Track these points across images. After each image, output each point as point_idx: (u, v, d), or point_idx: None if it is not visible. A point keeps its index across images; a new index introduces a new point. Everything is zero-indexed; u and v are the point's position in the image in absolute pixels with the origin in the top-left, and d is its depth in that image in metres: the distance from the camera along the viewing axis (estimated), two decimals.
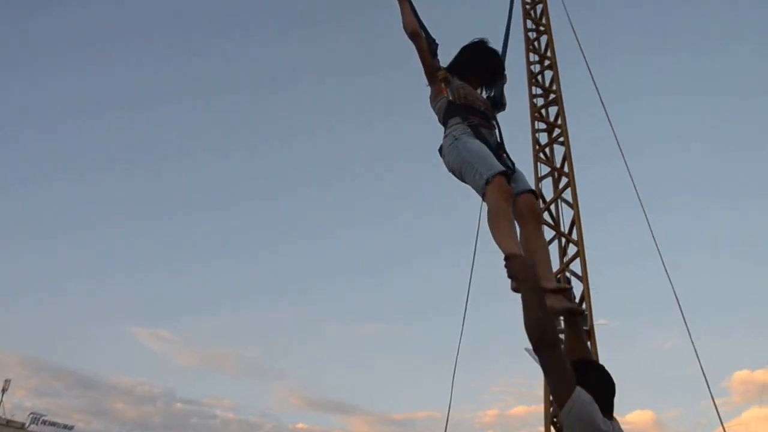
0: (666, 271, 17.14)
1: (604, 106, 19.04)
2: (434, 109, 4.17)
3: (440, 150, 3.97)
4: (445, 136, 3.94)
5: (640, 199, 17.94)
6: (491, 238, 3.55)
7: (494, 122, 4.14)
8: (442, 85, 4.08)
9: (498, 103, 4.38)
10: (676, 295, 16.91)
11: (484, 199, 3.62)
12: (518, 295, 3.35)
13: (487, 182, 3.60)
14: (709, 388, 15.83)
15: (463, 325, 17.77)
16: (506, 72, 4.62)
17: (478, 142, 3.80)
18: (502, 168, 3.65)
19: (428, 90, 4.25)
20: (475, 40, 4.37)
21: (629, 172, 18.42)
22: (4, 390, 73.90)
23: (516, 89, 20.43)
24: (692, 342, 16.83)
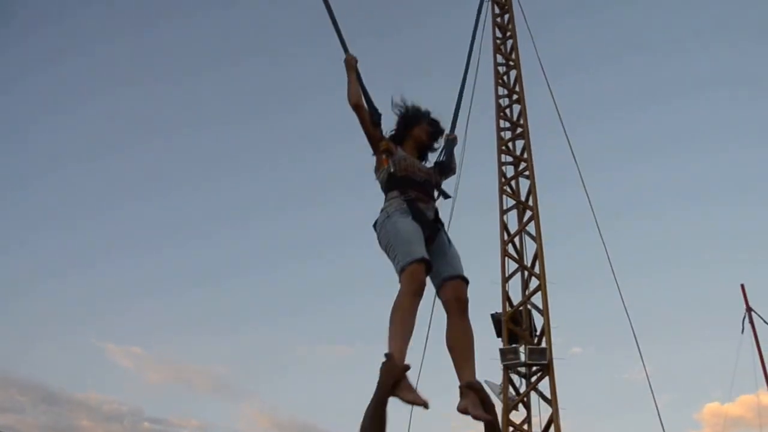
0: (624, 303, 17.46)
1: (567, 136, 19.42)
2: (377, 179, 4.16)
3: (374, 225, 3.89)
4: (381, 211, 3.91)
5: (600, 233, 18.27)
6: (390, 319, 3.49)
7: (437, 192, 4.14)
8: (384, 156, 4.07)
9: (446, 169, 4.39)
10: (632, 329, 17.22)
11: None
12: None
13: (402, 270, 3.52)
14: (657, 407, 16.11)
15: (424, 351, 17.86)
16: (456, 134, 4.61)
17: (408, 221, 3.73)
18: (419, 256, 3.51)
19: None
20: (416, 106, 4.40)
21: (590, 204, 18.76)
22: None
23: (484, 121, 20.71)
24: (646, 374, 17.16)
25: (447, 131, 4.61)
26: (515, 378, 17.93)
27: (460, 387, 3.50)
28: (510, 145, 20.15)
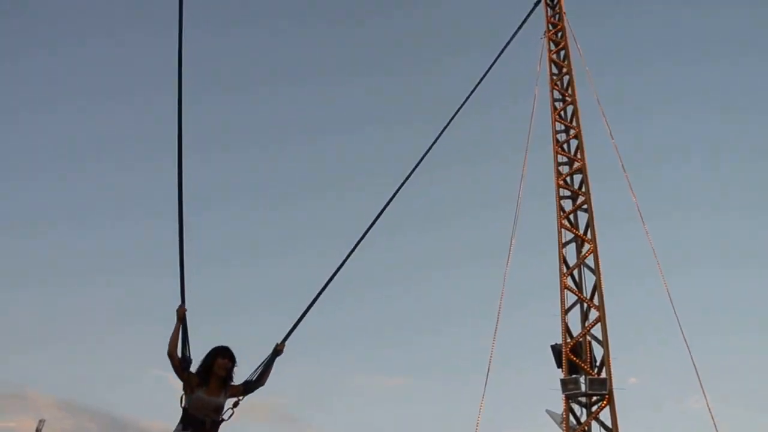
0: (684, 339, 17.91)
1: (626, 173, 19.96)
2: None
3: None
4: None
5: (659, 265, 18.77)
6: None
7: (222, 420, 5.39)
8: (183, 393, 5.33)
9: (253, 386, 5.65)
10: (694, 363, 17.67)
11: None
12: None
13: None
14: None
15: (485, 385, 18.58)
16: (285, 344, 6.01)
17: None
18: None
19: None
20: (217, 347, 5.50)
21: (649, 239, 19.29)
22: (38, 430, 74.92)
23: (542, 156, 21.35)
24: (709, 409, 17.56)
25: (279, 341, 5.93)
26: (576, 407, 18.49)
27: None
28: (568, 179, 20.75)
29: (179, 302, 5.55)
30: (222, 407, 5.39)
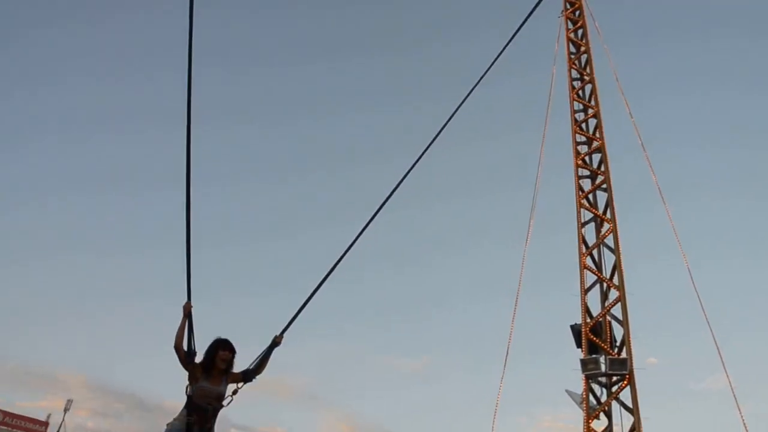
0: (706, 318, 17.78)
1: (645, 152, 19.78)
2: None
3: (167, 424, 5.71)
4: (174, 419, 5.70)
5: (680, 245, 18.64)
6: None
7: (218, 410, 5.88)
8: (188, 382, 5.78)
9: (251, 375, 6.10)
10: (716, 342, 17.55)
11: None
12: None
13: None
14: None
15: (505, 365, 18.57)
16: (284, 336, 6.39)
17: None
18: None
19: None
20: (218, 339, 5.97)
21: (670, 217, 19.14)
22: (66, 409, 76.41)
23: (561, 136, 21.19)
24: (732, 388, 17.46)
25: (277, 333, 6.32)
26: (596, 387, 18.44)
27: None
28: (587, 159, 20.59)
29: (185, 299, 6.01)
30: (223, 395, 5.86)
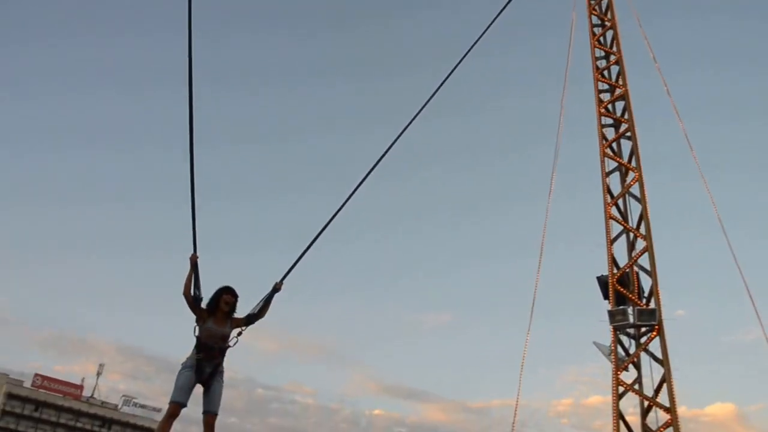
0: (740, 269, 17.42)
1: (670, 97, 19.22)
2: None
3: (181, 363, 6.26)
4: (187, 358, 6.26)
5: (708, 190, 18.20)
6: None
7: (226, 348, 6.39)
8: (195, 324, 6.31)
9: (254, 318, 6.55)
10: (749, 293, 17.23)
11: None
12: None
13: (169, 403, 6.15)
14: None
15: (531, 318, 18.45)
16: (283, 282, 6.76)
17: (186, 375, 6.15)
18: (177, 400, 6.08)
19: None
20: (222, 286, 6.42)
21: (697, 163, 18.67)
22: (98, 374, 78.28)
23: (582, 88, 20.67)
24: (764, 332, 17.19)
25: (278, 280, 6.74)
26: (624, 339, 18.25)
27: None
28: (610, 107, 20.07)
29: (191, 251, 6.47)
30: (228, 336, 6.35)
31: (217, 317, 6.30)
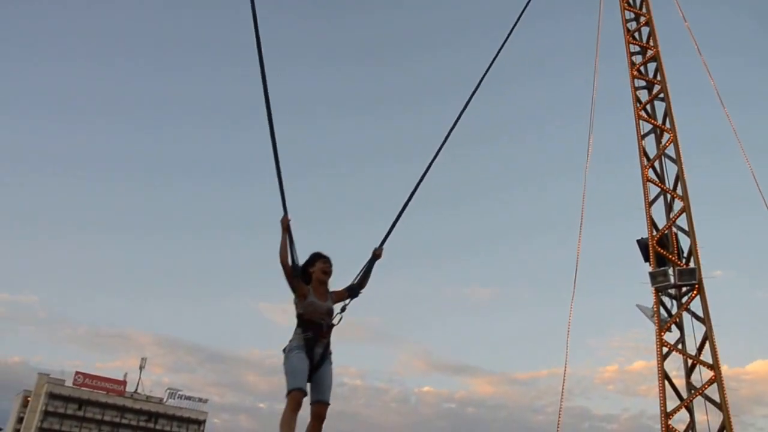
0: None
1: (701, 55, 19.05)
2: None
3: (284, 350, 5.38)
4: (289, 341, 5.39)
5: (742, 148, 18.04)
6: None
7: (332, 325, 5.58)
8: (297, 300, 5.49)
9: (356, 290, 5.81)
10: None
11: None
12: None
13: (288, 393, 5.09)
14: None
15: (574, 283, 18.46)
16: (383, 248, 6.03)
17: (300, 357, 5.24)
18: (299, 386, 5.10)
19: None
20: (315, 253, 5.71)
21: (731, 121, 18.50)
22: (141, 368, 79.08)
23: (614, 48, 20.55)
24: None
25: (377, 245, 6.02)
26: (666, 300, 18.19)
27: None
28: (642, 69, 19.93)
29: (282, 214, 5.54)
30: (332, 311, 5.57)
31: (317, 291, 5.52)
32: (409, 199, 6.57)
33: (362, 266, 5.93)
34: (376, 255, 5.99)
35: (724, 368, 16.88)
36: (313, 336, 5.32)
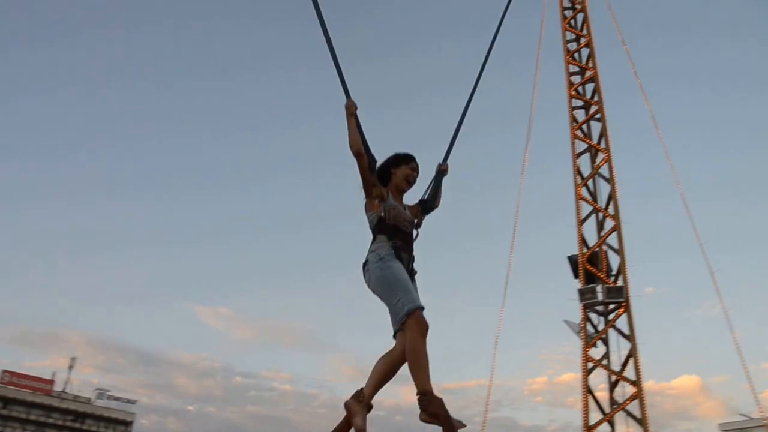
0: (701, 246, 17.83)
1: (638, 79, 19.57)
2: (367, 218, 4.51)
3: (365, 263, 4.29)
4: (372, 251, 4.30)
5: (673, 170, 18.58)
6: (411, 364, 3.88)
7: (414, 236, 4.55)
8: (376, 201, 4.42)
9: (429, 207, 4.72)
10: (711, 268, 17.62)
11: (400, 324, 4.00)
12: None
13: (409, 314, 3.94)
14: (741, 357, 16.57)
15: (505, 293, 18.69)
16: (448, 164, 4.91)
17: (401, 267, 4.19)
18: (422, 304, 4.02)
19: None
20: (401, 153, 4.70)
21: (663, 144, 19.06)
22: (70, 367, 77.21)
23: (553, 67, 20.94)
24: (724, 308, 17.63)
25: (440, 161, 4.92)
26: (593, 316, 18.57)
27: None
28: (580, 89, 20.36)
29: (344, 98, 4.51)
30: (413, 222, 4.51)
31: (394, 197, 4.51)
32: (469, 101, 5.44)
33: (429, 183, 4.86)
34: (442, 170, 4.90)
35: (651, 383, 17.44)
36: (400, 244, 4.32)
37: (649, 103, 19.32)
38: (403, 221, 4.40)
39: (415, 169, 4.59)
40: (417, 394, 3.78)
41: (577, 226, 19.07)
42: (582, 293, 18.28)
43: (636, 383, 17.20)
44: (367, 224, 4.51)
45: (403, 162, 4.57)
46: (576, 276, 18.79)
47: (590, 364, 17.86)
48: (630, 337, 17.67)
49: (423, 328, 3.92)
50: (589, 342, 17.95)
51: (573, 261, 18.91)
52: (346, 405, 4.08)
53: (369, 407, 4.11)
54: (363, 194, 4.48)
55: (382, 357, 4.18)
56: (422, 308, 3.98)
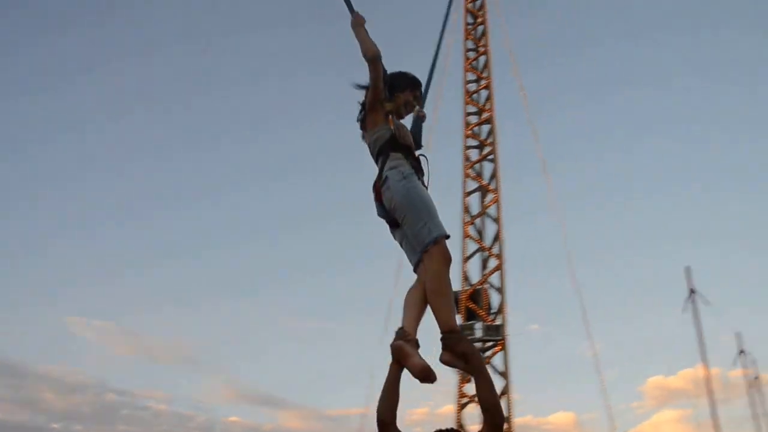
0: (577, 285, 18.73)
1: (532, 125, 20.32)
2: (369, 137, 4.08)
3: (383, 180, 3.82)
4: (391, 168, 3.80)
5: (557, 212, 19.37)
6: (433, 295, 3.55)
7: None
8: (388, 116, 4.00)
9: (418, 142, 4.23)
10: (584, 310, 18.52)
11: (423, 252, 3.65)
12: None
13: (435, 241, 3.57)
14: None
15: (386, 323, 18.83)
16: (425, 111, 4.35)
17: (425, 189, 3.82)
18: (448, 232, 3.66)
19: None
20: (411, 76, 4.29)
21: (550, 185, 19.85)
22: None
23: (451, 105, 21.42)
24: (594, 350, 18.58)
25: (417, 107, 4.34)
26: None
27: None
28: (476, 129, 20.93)
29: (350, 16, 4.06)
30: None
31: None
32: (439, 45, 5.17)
33: (410, 129, 4.21)
34: (420, 117, 4.31)
35: (529, 417, 18.05)
36: (417, 164, 3.88)
37: (541, 151, 20.10)
38: (410, 143, 3.98)
39: (418, 98, 4.17)
40: (442, 331, 3.45)
41: (461, 263, 19.55)
42: (461, 330, 18.71)
43: (507, 419, 17.79)
44: (367, 146, 4.07)
45: (411, 86, 4.14)
46: (457, 312, 19.25)
47: (465, 399, 18.32)
48: (504, 375, 18.25)
49: (448, 258, 3.58)
50: (464, 377, 18.39)
51: (455, 297, 19.34)
52: (397, 347, 3.52)
53: (417, 343, 3.58)
54: (367, 107, 4.02)
55: (411, 290, 3.72)
56: (448, 236, 3.62)
